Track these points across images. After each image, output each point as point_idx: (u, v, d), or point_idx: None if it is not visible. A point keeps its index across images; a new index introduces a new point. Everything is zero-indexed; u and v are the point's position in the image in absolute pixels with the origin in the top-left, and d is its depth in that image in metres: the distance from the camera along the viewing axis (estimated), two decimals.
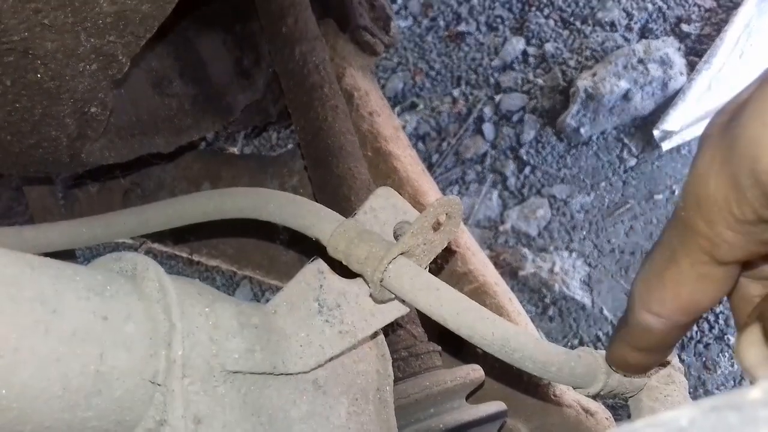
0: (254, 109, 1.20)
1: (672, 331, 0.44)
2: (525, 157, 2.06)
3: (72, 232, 0.72)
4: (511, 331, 0.53)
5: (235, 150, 2.22)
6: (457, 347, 0.91)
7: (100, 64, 0.62)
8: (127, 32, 0.61)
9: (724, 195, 0.35)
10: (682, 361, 1.63)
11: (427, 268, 0.57)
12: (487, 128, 2.15)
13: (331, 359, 0.56)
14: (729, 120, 0.35)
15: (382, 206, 0.61)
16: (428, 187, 1.08)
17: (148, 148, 0.93)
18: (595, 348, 0.60)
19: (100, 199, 1.18)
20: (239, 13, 1.14)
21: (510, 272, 1.86)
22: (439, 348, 0.83)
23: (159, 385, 0.47)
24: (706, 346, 1.64)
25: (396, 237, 0.60)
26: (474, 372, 0.77)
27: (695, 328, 1.66)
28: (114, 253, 0.52)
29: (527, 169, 2.04)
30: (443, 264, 0.98)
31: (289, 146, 2.22)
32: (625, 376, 0.56)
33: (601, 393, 0.57)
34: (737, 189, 0.34)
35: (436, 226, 0.57)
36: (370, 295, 0.56)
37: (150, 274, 0.50)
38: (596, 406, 0.88)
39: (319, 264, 0.58)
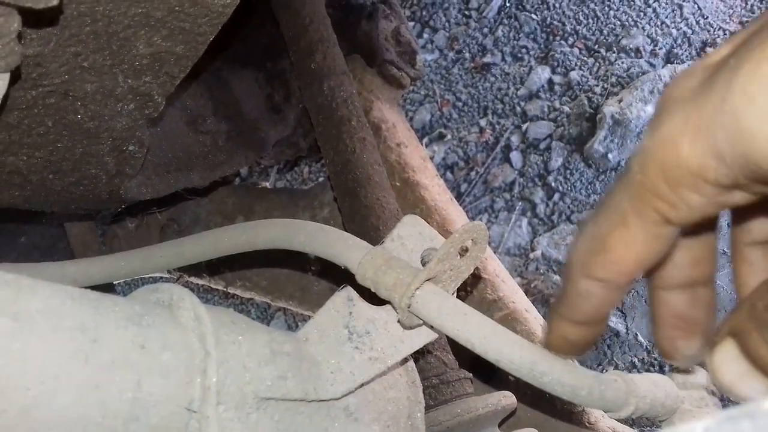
0: (285, 143, 1.23)
1: (610, 295, 0.43)
2: (554, 184, 2.06)
3: (111, 266, 0.75)
4: (539, 355, 0.53)
5: (267, 184, 2.26)
6: (489, 374, 0.91)
7: (137, 103, 0.64)
8: (162, 73, 0.64)
9: (700, 162, 0.35)
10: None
11: (455, 294, 0.58)
12: (515, 156, 2.16)
13: (361, 386, 0.56)
14: (702, 83, 0.35)
15: (410, 234, 0.62)
16: (456, 216, 1.09)
17: (183, 184, 0.96)
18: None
19: (137, 235, 1.21)
20: (270, 51, 1.18)
21: (542, 300, 1.85)
22: (470, 375, 0.83)
23: (194, 411, 0.48)
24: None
25: (423, 264, 0.61)
26: (506, 399, 0.77)
27: None
28: (151, 284, 0.54)
29: (556, 196, 2.04)
30: (471, 290, 0.99)
31: (320, 179, 2.25)
32: (567, 359, 0.55)
33: (633, 416, 0.57)
34: (719, 160, 0.34)
35: (463, 252, 0.58)
36: (399, 322, 0.57)
37: (186, 304, 0.52)
38: None
39: (349, 292, 0.59)
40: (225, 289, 1.23)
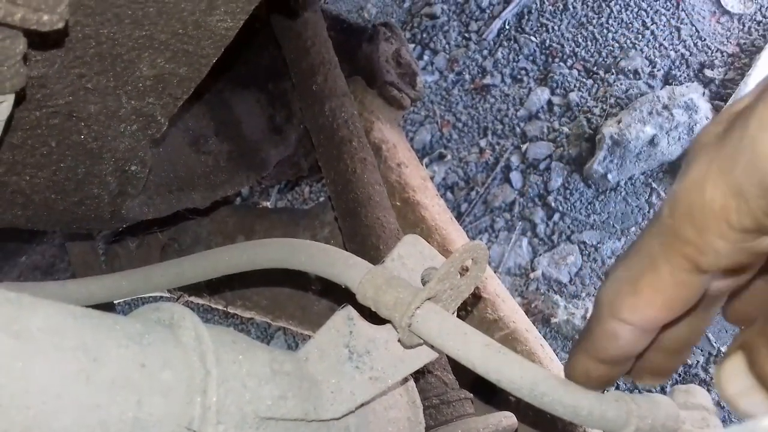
0: (287, 163, 1.23)
1: (638, 339, 0.43)
2: (553, 204, 2.07)
3: (112, 285, 0.75)
4: (540, 375, 0.53)
5: (268, 204, 2.26)
6: (490, 394, 0.90)
7: (140, 124, 0.65)
8: (165, 94, 0.65)
9: (722, 203, 0.35)
10: (720, 406, 1.58)
11: (455, 314, 0.58)
12: (515, 177, 2.16)
13: (362, 405, 0.56)
14: (726, 128, 0.36)
15: (410, 253, 0.63)
16: (456, 236, 1.09)
17: (184, 204, 0.96)
18: (631, 393, 0.59)
19: (138, 255, 1.22)
20: (272, 73, 1.19)
21: (542, 319, 1.84)
22: (471, 395, 0.83)
23: (194, 431, 0.48)
24: (717, 367, 1.60)
25: (424, 283, 0.61)
26: (506, 419, 0.76)
27: None
28: (152, 303, 0.54)
29: (556, 216, 2.04)
30: (472, 310, 0.99)
31: (321, 199, 2.26)
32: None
33: None
34: (739, 198, 0.34)
35: (463, 272, 0.58)
36: (399, 341, 0.57)
37: (186, 323, 0.52)
38: None
39: (349, 311, 0.59)
40: (225, 309, 1.23)
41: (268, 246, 0.68)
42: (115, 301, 1.12)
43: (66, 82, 0.60)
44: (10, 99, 0.52)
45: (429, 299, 0.55)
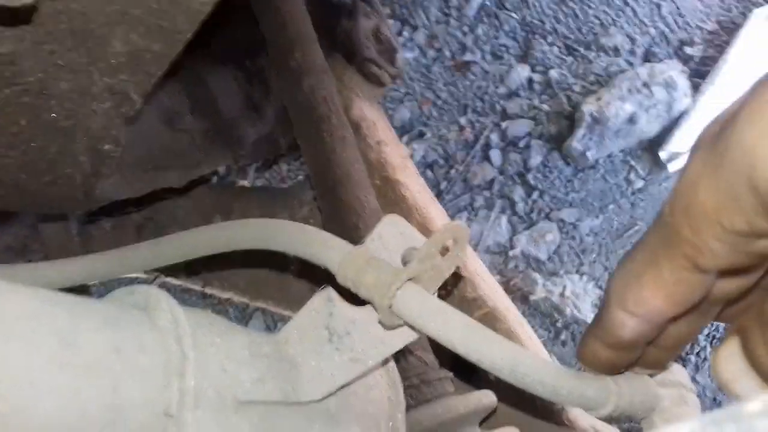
0: (264, 142, 1.22)
1: (645, 330, 0.44)
2: (533, 182, 2.07)
3: (86, 268, 0.73)
4: (520, 355, 0.53)
5: (246, 183, 2.24)
6: (470, 373, 0.91)
7: (113, 102, 0.63)
8: (139, 71, 0.63)
9: (715, 204, 0.35)
10: (696, 382, 1.61)
11: (436, 294, 0.58)
12: (495, 154, 2.16)
13: (342, 387, 0.56)
14: (720, 129, 0.36)
15: (390, 233, 0.62)
16: (437, 215, 1.09)
17: (160, 183, 0.95)
18: None
19: (114, 235, 1.20)
20: (248, 49, 1.17)
21: (521, 297, 1.86)
22: (451, 374, 0.83)
23: (172, 416, 0.48)
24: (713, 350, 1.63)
25: (404, 263, 0.60)
26: (486, 398, 0.77)
27: (709, 348, 1.64)
28: (127, 286, 0.53)
29: (535, 194, 2.05)
30: (452, 289, 0.99)
31: (299, 178, 2.24)
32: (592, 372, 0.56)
33: (613, 415, 0.57)
34: (730, 197, 0.34)
35: (444, 252, 0.58)
36: (380, 322, 0.57)
37: (162, 306, 0.51)
38: (611, 431, 0.87)
39: (329, 292, 0.59)
40: (202, 290, 1.22)
41: (246, 226, 0.67)
42: (90, 283, 1.10)
43: (36, 59, 0.58)
44: None
45: (410, 280, 0.55)
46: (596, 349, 0.49)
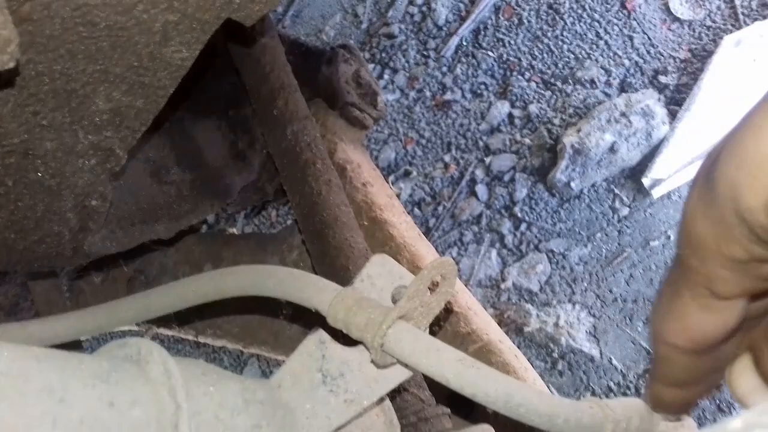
0: (251, 189, 1.23)
1: (693, 361, 0.43)
2: (520, 215, 2.09)
3: (76, 323, 0.73)
4: (514, 387, 0.53)
5: (235, 230, 2.25)
6: (467, 408, 0.90)
7: (98, 159, 0.64)
8: (123, 127, 0.64)
9: (713, 235, 0.36)
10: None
11: (427, 330, 0.58)
12: (481, 189, 2.18)
13: (338, 429, 0.56)
14: (711, 163, 0.37)
15: (379, 273, 0.63)
16: (425, 252, 1.10)
17: (148, 236, 0.95)
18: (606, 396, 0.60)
19: (104, 289, 1.19)
20: (231, 99, 1.19)
21: (515, 329, 1.85)
22: (448, 410, 0.82)
23: None
24: (718, 387, 1.62)
25: (394, 302, 0.61)
26: None
27: None
28: (118, 339, 0.53)
29: (523, 226, 2.06)
30: (444, 325, 0.99)
31: (288, 223, 2.25)
32: (669, 418, 0.56)
33: None
34: (724, 229, 0.35)
35: (433, 288, 0.58)
36: (373, 362, 0.57)
37: (154, 358, 0.51)
38: None
39: (320, 334, 0.59)
40: (196, 339, 1.21)
41: (235, 274, 0.68)
42: (82, 338, 1.09)
43: (20, 121, 0.59)
44: None
45: (400, 318, 0.55)
46: (659, 390, 0.48)
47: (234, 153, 1.15)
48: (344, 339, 0.58)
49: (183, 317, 1.18)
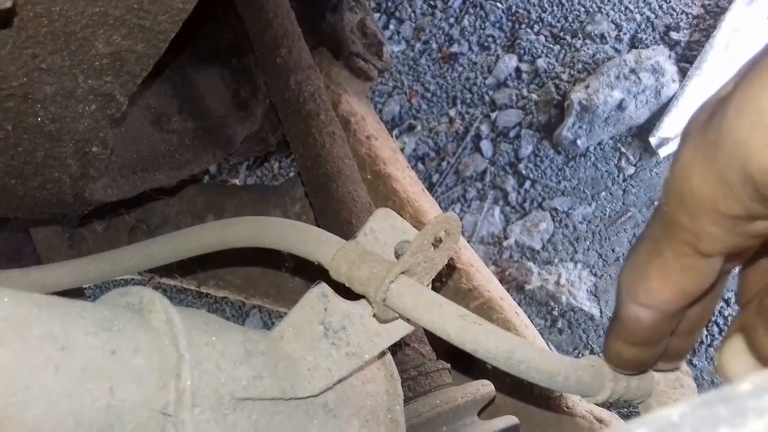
0: (254, 139, 1.21)
1: (661, 321, 0.43)
2: (524, 172, 2.07)
3: (79, 271, 0.73)
4: (515, 343, 0.53)
5: (237, 181, 2.24)
6: (467, 364, 0.91)
7: (98, 104, 0.63)
8: (123, 72, 0.63)
9: (710, 191, 0.35)
10: (693, 365, 1.62)
11: (430, 286, 0.58)
12: (485, 145, 2.17)
13: (339, 382, 0.56)
14: (710, 116, 0.36)
15: (382, 227, 0.62)
16: (429, 207, 1.09)
17: (150, 184, 0.94)
18: None
19: (106, 237, 1.19)
20: (234, 47, 1.16)
21: (516, 287, 1.86)
22: (448, 365, 0.83)
23: (170, 415, 0.48)
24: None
25: (397, 257, 0.60)
26: (484, 387, 0.77)
27: (705, 332, 1.65)
28: (120, 288, 0.53)
29: (527, 184, 2.05)
30: (446, 281, 0.99)
31: (291, 175, 2.24)
32: (625, 374, 0.56)
33: (610, 400, 0.57)
34: (724, 185, 0.35)
35: (436, 244, 0.58)
36: (374, 315, 0.57)
37: (156, 307, 0.51)
38: (609, 416, 0.87)
39: (323, 288, 0.59)
40: (198, 289, 1.21)
41: (238, 225, 0.67)
42: (84, 286, 1.10)
43: (19, 63, 0.58)
44: None
45: (403, 273, 0.55)
46: (619, 348, 0.48)
47: (236, 102, 1.13)
48: (346, 292, 0.58)
49: (186, 268, 1.18)
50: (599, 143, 2.05)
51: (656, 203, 0.40)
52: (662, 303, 0.42)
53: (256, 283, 1.18)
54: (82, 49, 0.58)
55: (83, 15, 0.56)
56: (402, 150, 2.10)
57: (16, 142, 0.63)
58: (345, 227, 0.90)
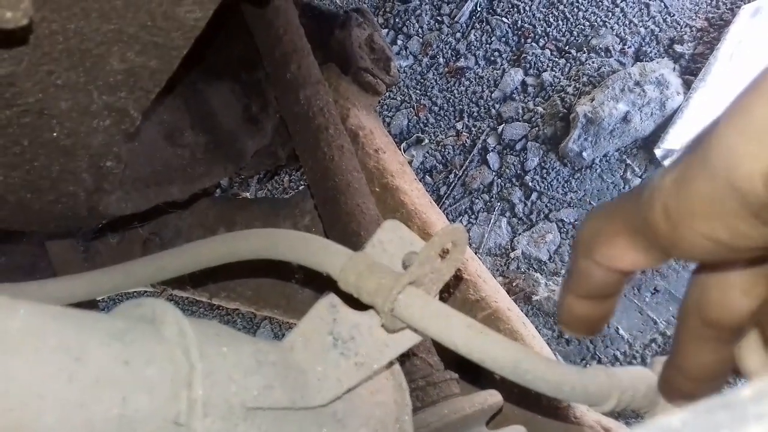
0: (264, 153, 1.23)
1: (612, 280, 0.44)
2: (531, 184, 2.08)
3: (92, 283, 0.74)
4: (522, 353, 0.54)
5: (248, 195, 2.25)
6: (475, 374, 0.91)
7: (112, 119, 0.64)
8: (137, 88, 0.64)
9: (694, 211, 0.35)
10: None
11: (437, 296, 0.58)
12: (492, 158, 2.17)
13: (348, 391, 0.57)
14: (703, 134, 0.35)
15: (390, 239, 0.63)
16: (436, 219, 1.10)
17: (163, 197, 0.95)
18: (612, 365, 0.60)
19: (120, 250, 1.21)
20: (245, 62, 1.18)
21: (524, 298, 1.86)
22: (456, 375, 0.83)
23: (182, 425, 0.48)
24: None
25: (405, 268, 0.61)
26: (492, 397, 0.77)
27: None
28: (134, 299, 0.54)
29: (534, 196, 2.06)
30: (453, 292, 1.00)
31: (301, 188, 2.25)
32: (578, 336, 0.56)
33: (617, 409, 0.58)
34: (711, 202, 0.34)
35: (443, 255, 0.59)
36: (383, 326, 0.58)
37: (169, 318, 0.52)
38: (616, 426, 0.87)
39: (332, 298, 0.59)
40: (209, 301, 1.22)
41: (248, 237, 0.68)
42: (97, 298, 1.11)
43: (35, 80, 0.59)
44: None
45: (410, 284, 0.56)
46: (571, 303, 0.48)
47: (247, 116, 1.15)
48: (355, 303, 0.59)
49: (197, 280, 1.19)
50: (605, 155, 2.05)
51: (637, 189, 0.40)
52: (619, 268, 0.42)
53: (267, 295, 1.19)
54: (97, 66, 0.60)
55: (98, 32, 0.57)
56: (410, 163, 2.11)
57: (32, 156, 0.65)
58: (354, 239, 0.91)
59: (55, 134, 0.64)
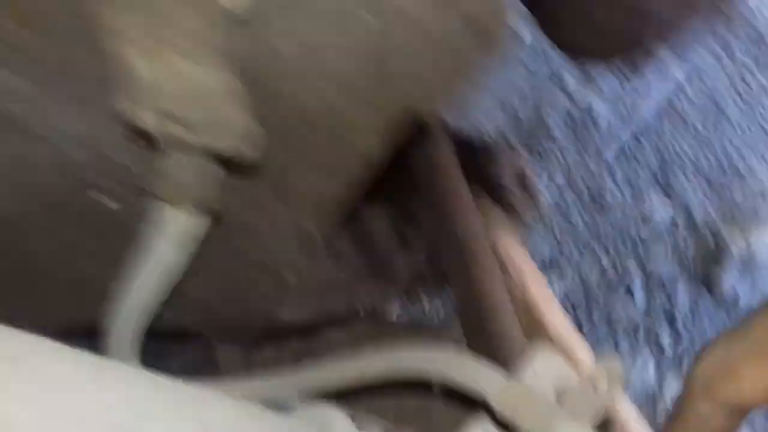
0: (415, 278, 1.28)
1: (731, 423, 0.42)
2: (681, 326, 1.98)
3: (254, 387, 0.80)
4: None
5: (393, 317, 2.30)
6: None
7: (299, 240, 0.73)
8: (320, 211, 0.73)
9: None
10: None
11: None
12: (638, 296, 2.11)
13: None
14: None
15: (544, 368, 0.64)
16: (583, 355, 1.09)
17: (327, 312, 1.03)
18: None
19: (272, 360, 1.28)
20: (399, 188, 1.26)
21: None
22: None
23: None
24: None
25: (558, 398, 0.62)
26: None
27: None
28: (309, 403, 0.58)
29: (684, 337, 1.95)
30: (607, 428, 0.96)
31: (441, 314, 2.28)
32: None
33: None
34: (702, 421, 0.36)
35: (598, 390, 0.59)
36: None
37: (337, 425, 0.56)
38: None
39: (486, 426, 0.61)
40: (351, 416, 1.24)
41: (407, 354, 0.72)
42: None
43: (239, 200, 0.69)
44: (208, 221, 0.62)
45: (567, 417, 0.56)
46: None
47: (401, 242, 1.22)
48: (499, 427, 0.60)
49: (341, 393, 1.22)
50: (762, 297, 1.93)
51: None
52: (747, 401, 0.40)
53: (408, 420, 1.19)
54: (290, 191, 0.69)
55: (291, 158, 0.67)
56: (552, 292, 2.09)
57: (231, 268, 0.74)
58: (502, 368, 0.92)
59: (247, 248, 0.73)
